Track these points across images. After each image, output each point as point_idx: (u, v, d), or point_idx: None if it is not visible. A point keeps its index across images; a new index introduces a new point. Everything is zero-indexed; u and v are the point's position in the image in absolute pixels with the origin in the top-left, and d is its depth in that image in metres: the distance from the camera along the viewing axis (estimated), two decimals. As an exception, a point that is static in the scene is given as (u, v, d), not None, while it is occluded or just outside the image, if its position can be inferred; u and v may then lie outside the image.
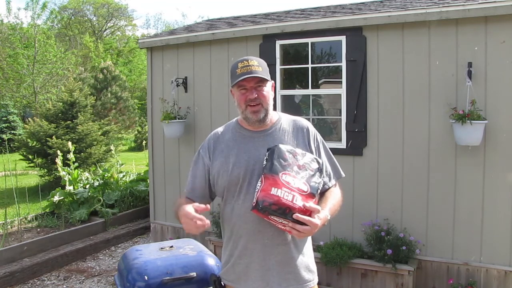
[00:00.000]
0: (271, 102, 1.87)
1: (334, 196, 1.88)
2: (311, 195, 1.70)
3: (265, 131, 1.89)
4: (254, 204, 1.66)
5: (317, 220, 1.63)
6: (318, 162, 1.81)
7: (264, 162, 1.75)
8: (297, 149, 1.81)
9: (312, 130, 1.95)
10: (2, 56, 19.80)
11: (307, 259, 1.88)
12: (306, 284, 1.85)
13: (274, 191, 1.65)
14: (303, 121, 1.97)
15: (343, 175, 1.99)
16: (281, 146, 1.77)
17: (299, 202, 1.64)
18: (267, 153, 1.77)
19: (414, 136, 3.96)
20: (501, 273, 3.64)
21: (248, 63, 1.81)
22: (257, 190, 1.69)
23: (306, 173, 1.75)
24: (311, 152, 1.88)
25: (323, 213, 1.70)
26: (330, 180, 1.93)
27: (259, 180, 1.72)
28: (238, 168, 1.83)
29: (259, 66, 1.82)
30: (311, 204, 1.65)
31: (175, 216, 1.87)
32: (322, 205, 1.78)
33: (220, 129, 2.01)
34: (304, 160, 1.78)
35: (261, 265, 1.81)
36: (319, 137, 1.97)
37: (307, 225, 1.61)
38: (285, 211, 1.63)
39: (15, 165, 8.72)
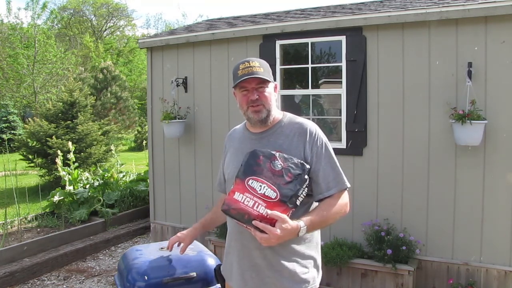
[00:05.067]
0: (273, 103, 1.86)
1: (326, 208, 1.74)
2: (279, 203, 1.63)
3: (263, 134, 1.88)
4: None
5: (278, 229, 1.57)
6: (302, 169, 1.70)
7: (240, 165, 1.75)
8: (279, 153, 1.72)
9: (315, 134, 1.82)
10: (2, 56, 19.79)
11: (294, 267, 1.78)
12: None
13: (236, 195, 1.66)
14: (307, 124, 1.85)
15: (348, 185, 1.83)
16: (258, 150, 1.74)
17: (261, 209, 1.62)
18: (244, 157, 1.76)
19: (414, 136, 3.96)
20: (501, 273, 3.65)
21: (250, 64, 1.80)
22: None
23: (281, 180, 1.67)
24: (306, 157, 1.78)
25: (292, 223, 1.61)
26: (328, 190, 1.78)
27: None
28: (235, 168, 1.85)
29: (260, 67, 1.81)
30: (274, 212, 1.59)
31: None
32: (306, 214, 1.72)
33: (236, 127, 2.09)
34: (285, 165, 1.69)
35: (240, 265, 1.84)
36: (323, 143, 1.83)
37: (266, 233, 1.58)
38: (243, 216, 1.63)
39: (15, 165, 8.72)
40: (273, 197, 1.64)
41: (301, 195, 1.69)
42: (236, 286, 1.88)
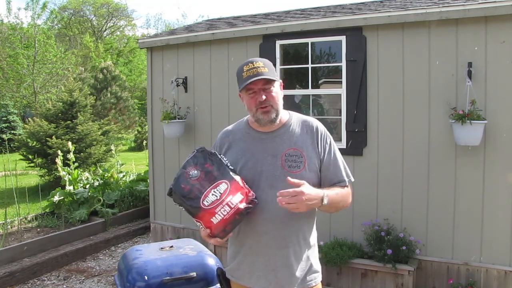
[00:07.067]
0: (280, 102, 1.86)
1: (339, 188, 1.85)
2: (234, 183, 1.69)
3: (274, 133, 1.87)
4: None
5: (302, 188, 1.63)
6: (201, 151, 1.80)
7: (182, 208, 1.75)
8: (183, 166, 1.76)
9: (322, 130, 1.91)
10: (2, 56, 19.77)
11: (312, 260, 1.89)
12: (309, 283, 1.86)
13: (214, 219, 1.66)
14: (313, 121, 1.93)
15: (353, 179, 1.95)
16: (173, 188, 1.74)
17: (235, 199, 1.66)
18: (175, 203, 1.76)
19: (414, 136, 3.96)
20: (501, 273, 3.64)
21: (254, 65, 1.78)
22: (201, 228, 1.72)
23: (210, 175, 1.72)
24: (319, 152, 1.85)
25: (315, 188, 1.70)
26: (338, 183, 1.87)
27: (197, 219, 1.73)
28: (246, 170, 1.82)
29: (265, 67, 1.79)
30: (295, 180, 1.65)
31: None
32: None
33: (230, 128, 2.02)
34: (196, 167, 1.75)
35: (265, 265, 1.82)
36: (329, 139, 1.92)
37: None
38: (238, 219, 1.68)
39: (15, 165, 8.71)
40: (227, 187, 1.69)
41: (226, 158, 1.81)
42: (258, 286, 1.85)
